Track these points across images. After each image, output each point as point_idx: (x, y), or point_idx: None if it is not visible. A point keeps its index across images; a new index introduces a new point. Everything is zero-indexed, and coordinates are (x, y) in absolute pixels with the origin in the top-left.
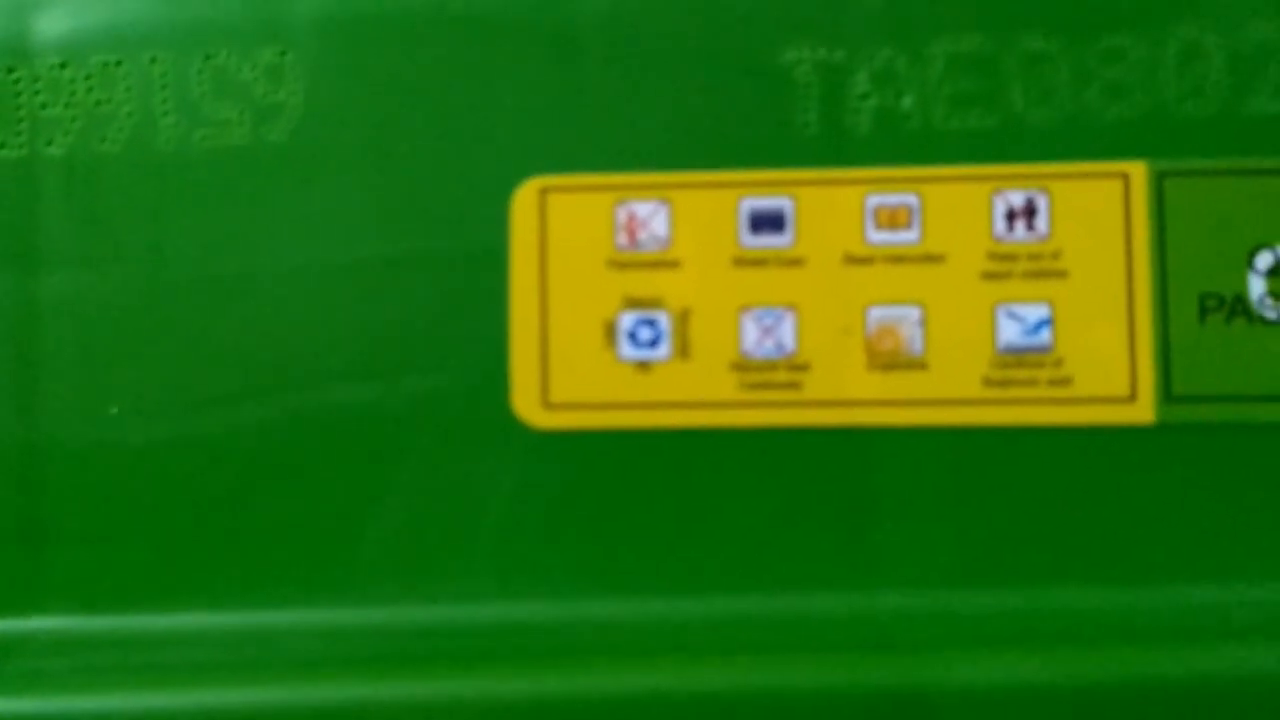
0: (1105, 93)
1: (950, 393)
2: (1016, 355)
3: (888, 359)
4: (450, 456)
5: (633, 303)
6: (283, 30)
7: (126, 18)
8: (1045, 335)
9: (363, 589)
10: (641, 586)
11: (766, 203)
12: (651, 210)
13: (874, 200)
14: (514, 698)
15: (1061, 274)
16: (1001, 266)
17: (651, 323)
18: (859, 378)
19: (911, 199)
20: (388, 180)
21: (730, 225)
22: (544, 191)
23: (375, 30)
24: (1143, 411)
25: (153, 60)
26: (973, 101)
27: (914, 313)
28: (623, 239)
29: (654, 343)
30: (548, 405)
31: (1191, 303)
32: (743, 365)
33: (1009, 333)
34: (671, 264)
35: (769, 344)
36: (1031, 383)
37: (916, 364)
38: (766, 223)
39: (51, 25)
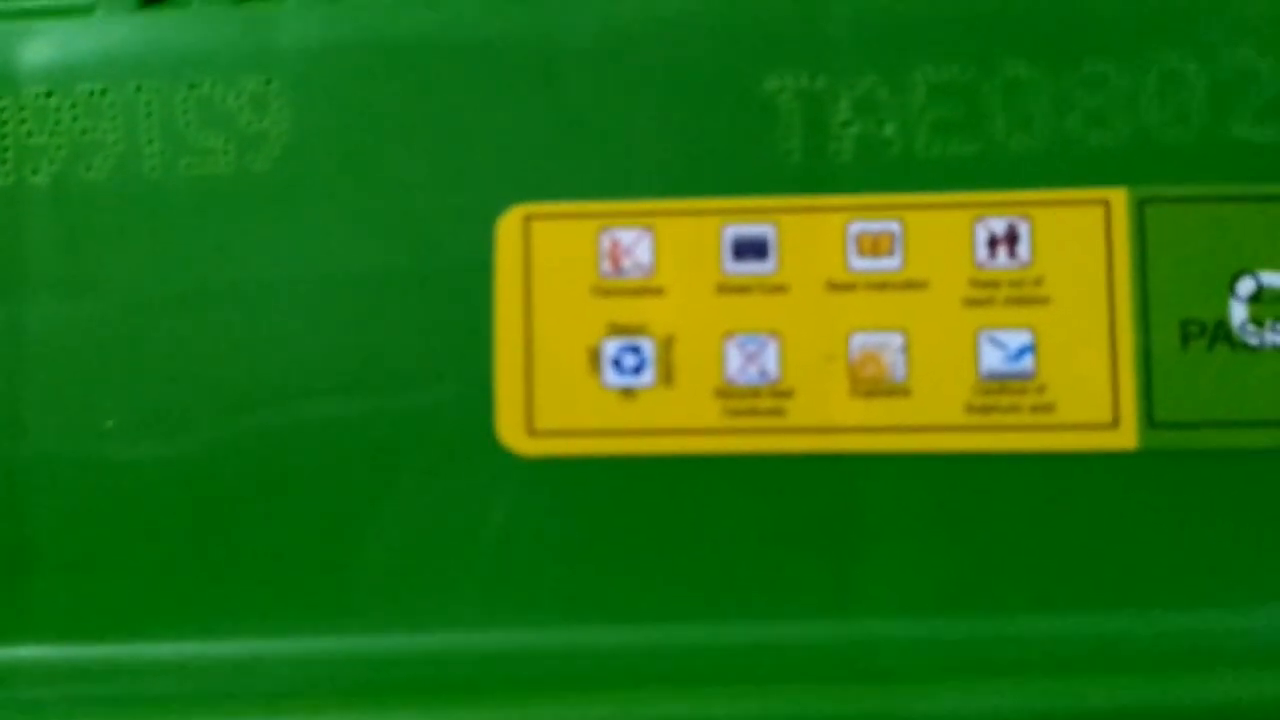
0: (1086, 119)
1: (933, 419)
2: (999, 381)
3: (870, 385)
4: (435, 484)
5: (617, 329)
6: (267, 59)
7: (112, 47)
8: (1028, 362)
9: (350, 616)
10: (626, 614)
11: (749, 230)
12: (635, 237)
13: (856, 227)
14: None
15: (1043, 300)
16: (984, 293)
17: (636, 349)
18: (842, 404)
19: (894, 226)
20: (372, 208)
21: (714, 252)
22: (528, 219)
23: (360, 59)
24: (1125, 438)
25: (138, 89)
26: (955, 129)
27: (897, 339)
28: (607, 266)
29: (638, 369)
30: (532, 432)
31: (1173, 329)
32: (726, 392)
33: (991, 359)
34: (655, 291)
35: (752, 370)
36: (1014, 409)
37: (899, 390)
38: (749, 250)
39: (37, 54)
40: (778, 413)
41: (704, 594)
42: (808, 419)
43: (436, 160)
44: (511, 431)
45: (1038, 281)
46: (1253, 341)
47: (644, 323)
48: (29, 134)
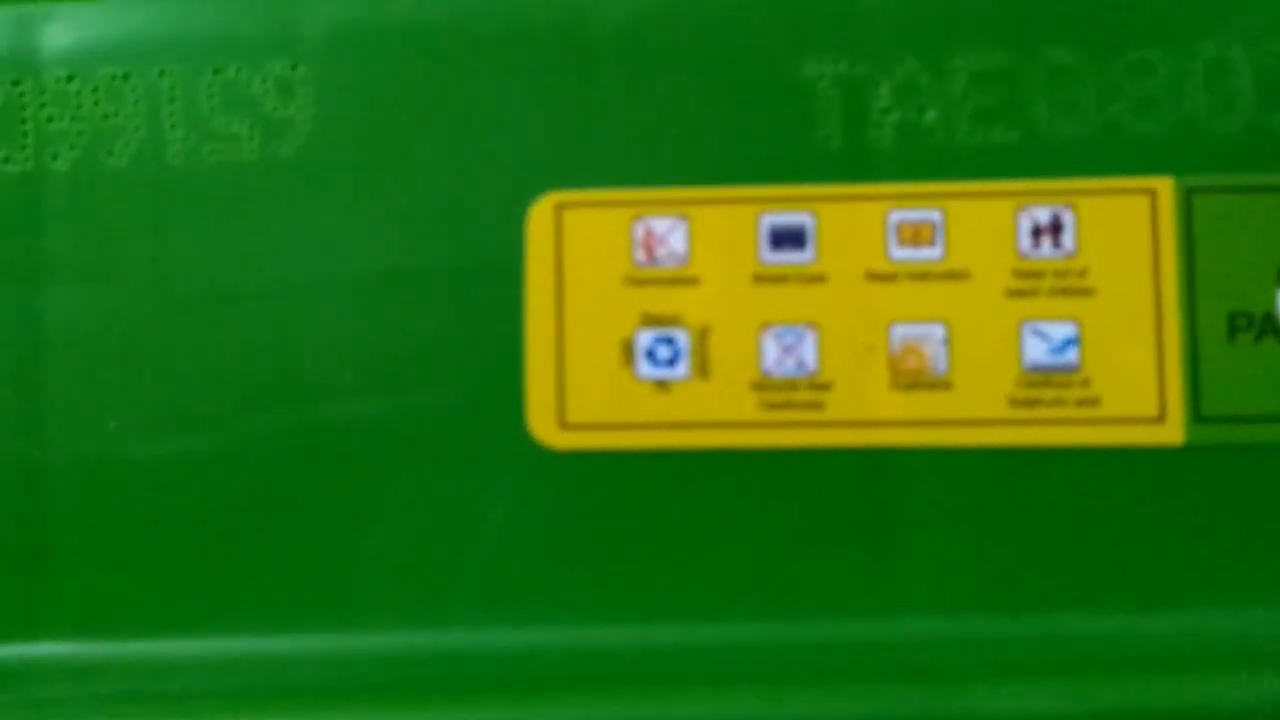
0: (1132, 108)
1: (975, 413)
2: (1043, 374)
3: (911, 378)
4: (465, 478)
5: (651, 320)
6: (293, 44)
7: (135, 30)
8: (1072, 354)
9: (375, 614)
10: (660, 611)
11: (787, 218)
12: (670, 226)
13: (896, 216)
14: None
15: (1088, 292)
16: (1027, 284)
17: (670, 341)
18: (882, 397)
19: (935, 215)
20: (399, 196)
21: (750, 241)
22: (560, 207)
23: (387, 44)
24: (1172, 432)
25: (161, 73)
26: (997, 116)
27: (938, 331)
28: (640, 255)
29: (672, 361)
30: (564, 425)
31: (1221, 321)
32: (763, 384)
33: (1035, 351)
34: (690, 281)
35: (790, 363)
36: (1058, 403)
37: (941, 383)
38: (787, 239)
39: (58, 37)
40: (816, 406)
41: (740, 591)
42: (847, 412)
43: (466, 147)
44: (543, 424)
45: (1082, 272)
46: None
47: (678, 313)
48: (49, 119)
